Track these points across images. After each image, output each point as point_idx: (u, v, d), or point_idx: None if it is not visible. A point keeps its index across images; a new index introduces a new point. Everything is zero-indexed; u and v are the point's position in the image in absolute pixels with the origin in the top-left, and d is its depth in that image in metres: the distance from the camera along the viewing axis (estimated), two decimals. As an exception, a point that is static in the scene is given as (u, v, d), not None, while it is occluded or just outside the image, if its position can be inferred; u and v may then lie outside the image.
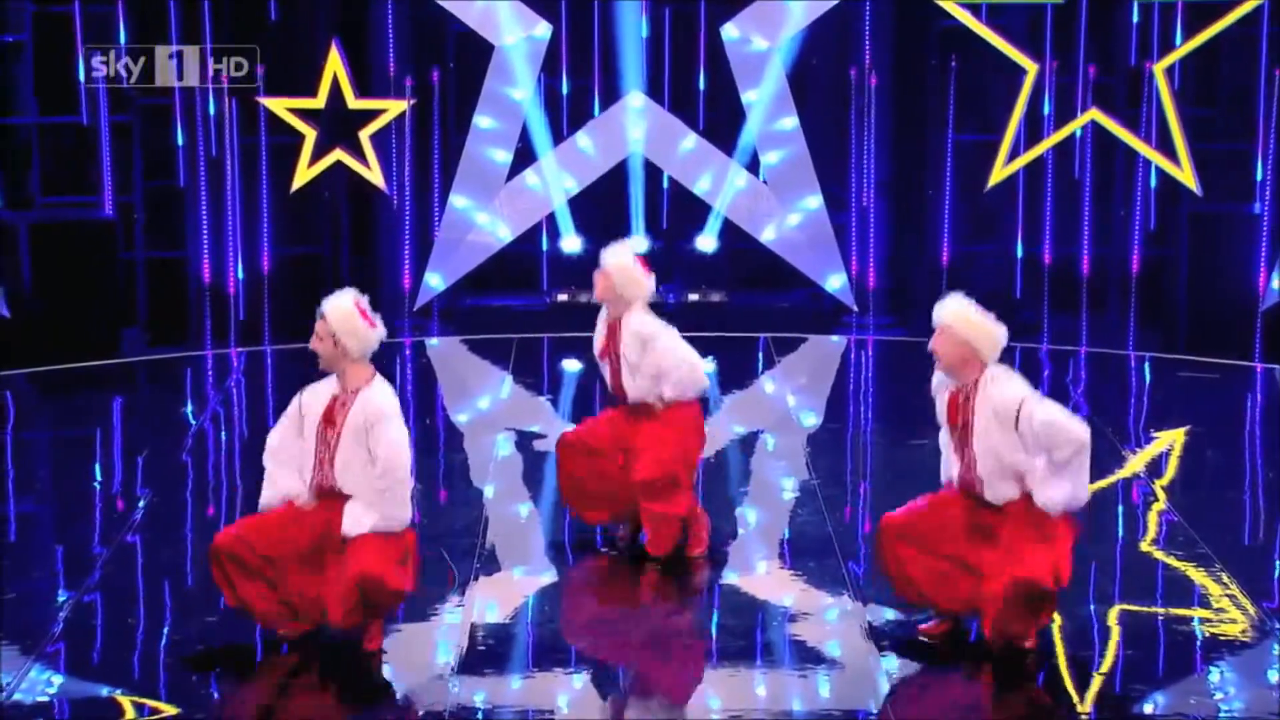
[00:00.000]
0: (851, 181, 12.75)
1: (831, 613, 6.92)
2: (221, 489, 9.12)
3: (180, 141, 12.40)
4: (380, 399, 6.32)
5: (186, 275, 12.55)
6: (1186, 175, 12.10)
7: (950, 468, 6.43)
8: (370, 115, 12.48)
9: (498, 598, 7.06)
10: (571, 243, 12.94)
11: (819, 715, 6.05)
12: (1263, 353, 11.80)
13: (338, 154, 12.39)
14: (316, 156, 12.40)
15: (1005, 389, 6.26)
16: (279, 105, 12.46)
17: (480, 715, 5.98)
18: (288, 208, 12.57)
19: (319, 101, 12.39)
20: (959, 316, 6.33)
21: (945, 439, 6.47)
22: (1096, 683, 6.23)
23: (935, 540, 6.40)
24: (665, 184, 12.90)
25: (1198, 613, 6.91)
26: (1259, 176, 12.10)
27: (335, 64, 12.35)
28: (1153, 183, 12.32)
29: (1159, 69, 12.07)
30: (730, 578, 7.42)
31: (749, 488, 8.73)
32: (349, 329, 6.31)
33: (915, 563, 6.43)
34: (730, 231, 12.82)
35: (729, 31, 12.59)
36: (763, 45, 12.57)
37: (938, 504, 6.45)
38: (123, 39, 12.13)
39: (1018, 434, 6.19)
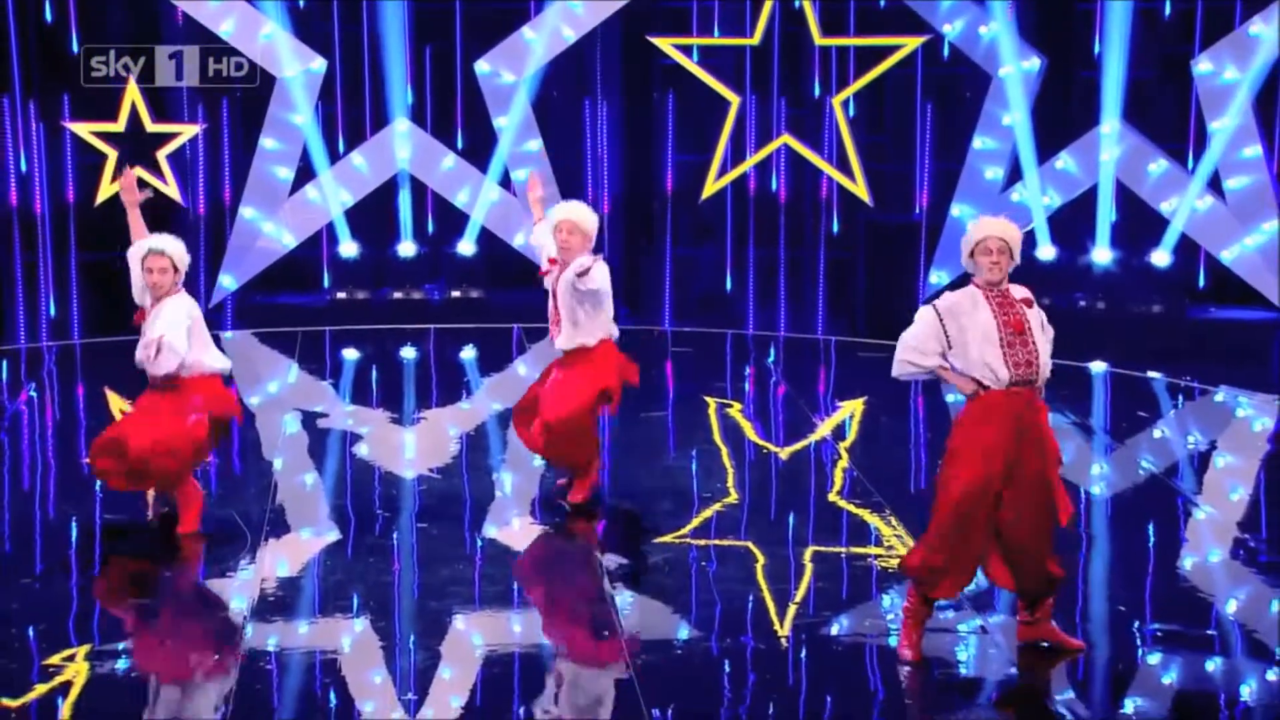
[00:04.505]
0: (589, 194, 12.87)
1: (575, 560, 7.03)
2: (37, 463, 8.85)
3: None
4: (179, 302, 6.83)
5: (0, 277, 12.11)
6: (861, 190, 12.54)
7: (996, 370, 5.70)
8: (167, 138, 12.18)
9: (287, 555, 7.02)
10: (348, 248, 12.82)
11: (564, 646, 6.18)
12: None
13: (138, 171, 12.02)
14: (118, 173, 12.03)
15: (1021, 291, 5.83)
16: (83, 129, 12.08)
17: (272, 656, 5.95)
18: (93, 219, 12.18)
19: (119, 126, 12.05)
20: (1017, 237, 5.76)
21: (981, 352, 5.70)
22: (792, 610, 6.46)
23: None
24: (429, 197, 12.85)
25: (873, 550, 7.22)
26: (918, 191, 12.62)
27: (134, 93, 12.02)
28: (835, 196, 12.73)
29: (836, 102, 12.48)
30: (490, 532, 7.50)
31: (505, 456, 8.81)
32: (183, 255, 6.84)
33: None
34: (487, 237, 12.84)
35: (481, 66, 12.60)
36: (510, 78, 12.62)
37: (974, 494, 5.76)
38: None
39: (1043, 323, 5.84)
